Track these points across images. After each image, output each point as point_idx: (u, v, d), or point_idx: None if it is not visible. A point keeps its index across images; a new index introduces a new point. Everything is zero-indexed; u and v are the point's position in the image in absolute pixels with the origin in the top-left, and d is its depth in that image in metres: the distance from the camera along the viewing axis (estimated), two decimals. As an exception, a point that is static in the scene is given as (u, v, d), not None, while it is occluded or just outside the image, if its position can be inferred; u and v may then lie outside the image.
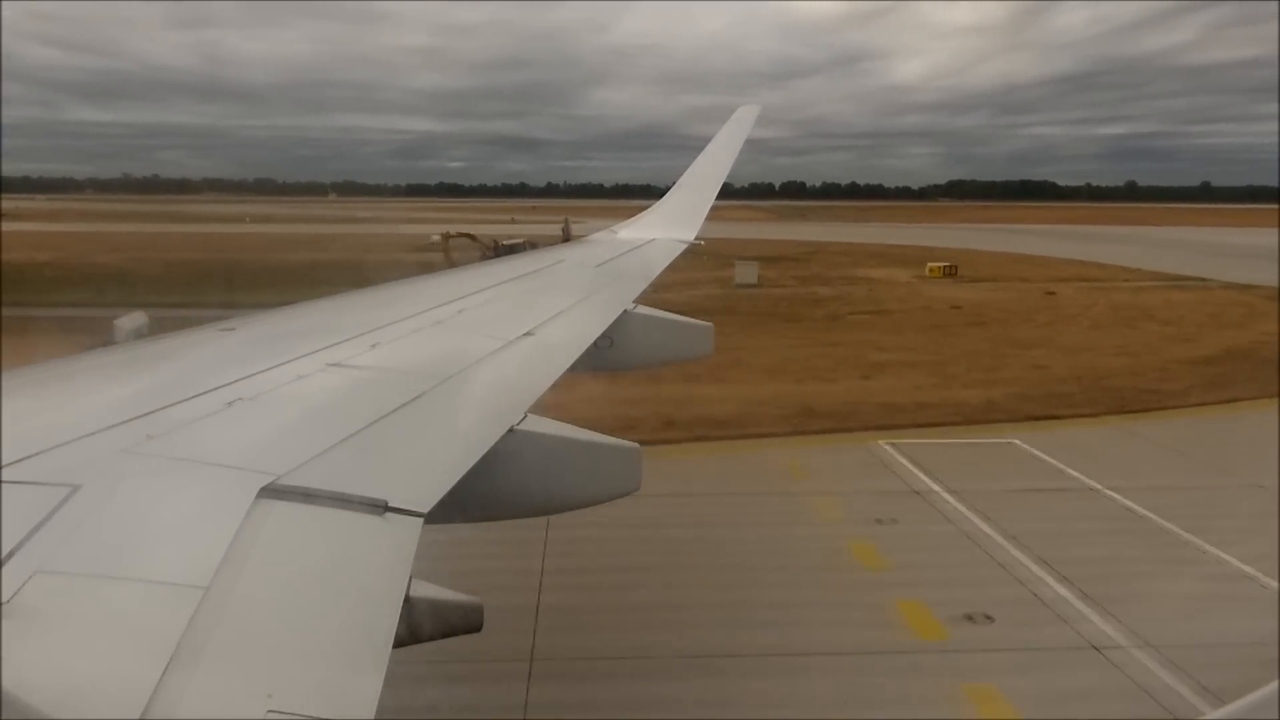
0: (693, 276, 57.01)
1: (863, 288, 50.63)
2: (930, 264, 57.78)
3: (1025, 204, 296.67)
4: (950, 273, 55.72)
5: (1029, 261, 68.13)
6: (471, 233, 61.00)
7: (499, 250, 52.53)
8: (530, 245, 53.96)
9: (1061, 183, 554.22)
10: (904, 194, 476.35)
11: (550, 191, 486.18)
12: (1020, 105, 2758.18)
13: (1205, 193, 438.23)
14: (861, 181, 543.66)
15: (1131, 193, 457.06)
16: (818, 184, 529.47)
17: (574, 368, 5.03)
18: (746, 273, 51.53)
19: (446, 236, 59.61)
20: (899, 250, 78.65)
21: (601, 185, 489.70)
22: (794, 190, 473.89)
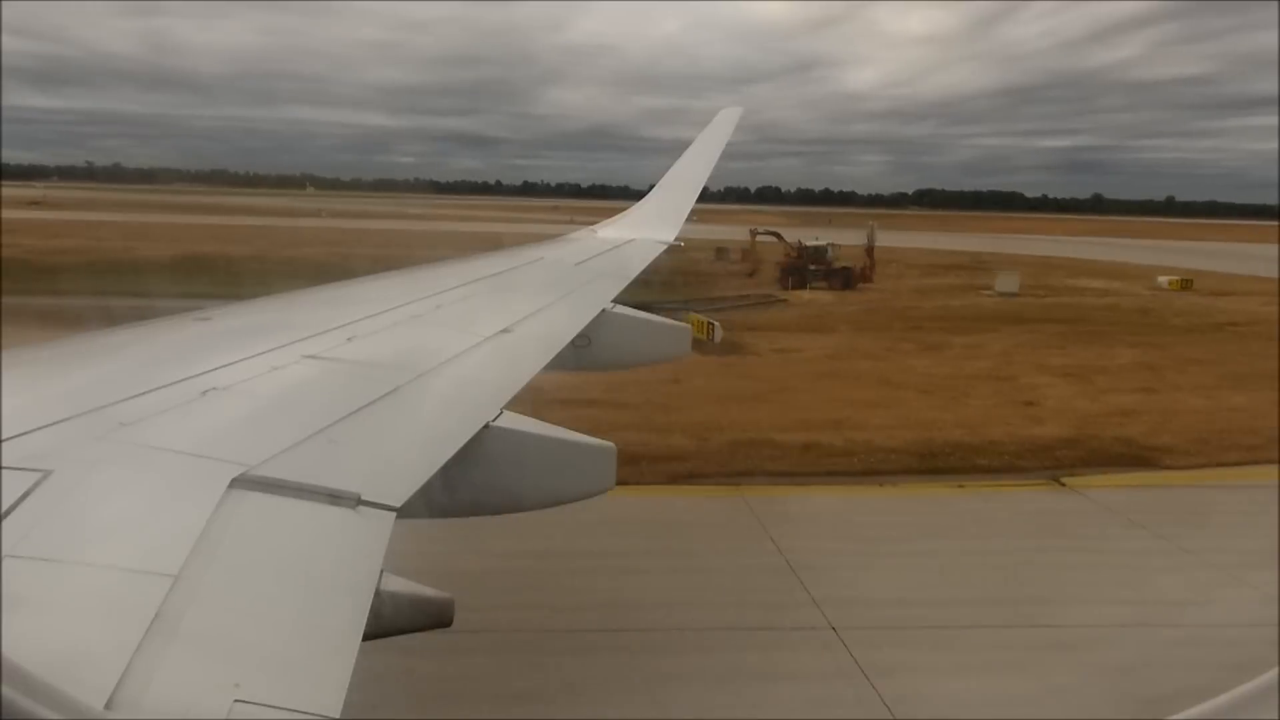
0: (927, 284, 56.37)
1: (1131, 300, 50.07)
2: (1164, 277, 58.05)
3: (1015, 215, 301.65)
4: (1186, 285, 56.19)
5: (1213, 276, 62.35)
6: (777, 232, 59.38)
7: (803, 252, 51.23)
8: (832, 246, 52.77)
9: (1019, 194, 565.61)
10: (877, 201, 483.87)
11: (528, 190, 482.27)
12: (969, 115, 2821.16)
13: (1170, 207, 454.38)
14: (822, 188, 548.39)
15: (1099, 205, 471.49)
16: (792, 189, 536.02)
17: (550, 366, 5.06)
18: (1008, 281, 51.39)
19: (754, 234, 57.90)
20: (1048, 260, 78.49)
21: (579, 185, 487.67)
22: (770, 195, 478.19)
